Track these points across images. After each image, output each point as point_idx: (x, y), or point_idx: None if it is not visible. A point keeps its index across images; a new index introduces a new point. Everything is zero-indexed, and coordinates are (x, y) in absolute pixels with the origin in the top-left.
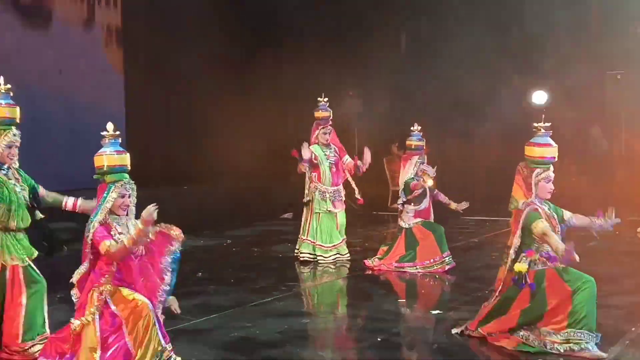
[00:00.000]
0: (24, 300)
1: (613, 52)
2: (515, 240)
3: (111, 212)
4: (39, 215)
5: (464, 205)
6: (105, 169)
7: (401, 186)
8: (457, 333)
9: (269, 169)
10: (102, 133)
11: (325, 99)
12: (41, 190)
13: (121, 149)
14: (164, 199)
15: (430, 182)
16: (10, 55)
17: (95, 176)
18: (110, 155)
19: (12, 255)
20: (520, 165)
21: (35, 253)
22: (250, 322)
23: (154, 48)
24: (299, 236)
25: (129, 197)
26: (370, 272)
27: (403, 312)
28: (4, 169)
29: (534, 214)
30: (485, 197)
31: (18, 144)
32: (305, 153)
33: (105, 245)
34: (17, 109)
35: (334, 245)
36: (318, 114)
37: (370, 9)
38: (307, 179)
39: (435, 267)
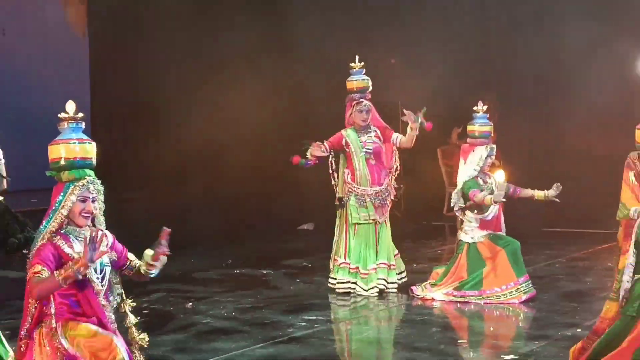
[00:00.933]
0: None
1: None
2: (628, 261)
3: (69, 221)
4: None
5: (556, 189)
6: (62, 162)
7: (459, 186)
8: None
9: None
10: (59, 115)
11: (361, 64)
12: None
13: (85, 137)
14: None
15: (500, 178)
16: None
17: (48, 173)
18: (70, 144)
19: None
20: (630, 157)
21: None
22: None
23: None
24: (333, 257)
25: (93, 201)
26: (419, 302)
27: (466, 357)
28: None
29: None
30: (575, 201)
31: None
32: (316, 151)
33: (32, 270)
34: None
35: (376, 268)
36: (351, 84)
37: None
38: (335, 174)
39: (508, 297)
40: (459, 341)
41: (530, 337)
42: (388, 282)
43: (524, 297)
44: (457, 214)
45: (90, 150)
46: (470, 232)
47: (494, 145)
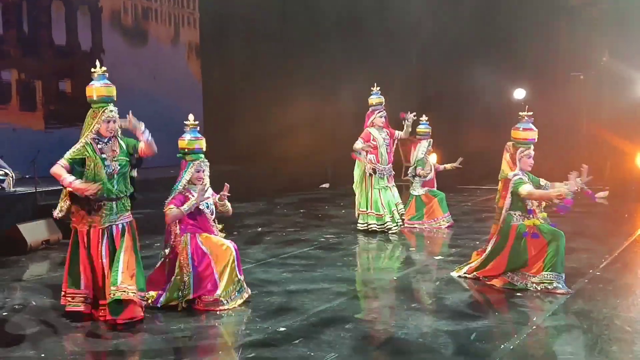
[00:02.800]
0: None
1: (576, 57)
2: (506, 203)
3: (190, 182)
4: (134, 173)
5: (458, 161)
6: (186, 150)
7: (412, 164)
8: (456, 276)
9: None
10: (184, 122)
11: (378, 88)
12: (140, 147)
13: (199, 135)
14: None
15: (433, 160)
16: (116, 64)
17: (178, 155)
18: (191, 140)
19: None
20: (507, 145)
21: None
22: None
23: (224, 59)
24: (361, 210)
25: (203, 171)
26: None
27: (413, 257)
28: (101, 142)
29: (519, 180)
30: (476, 171)
31: (116, 119)
32: (358, 144)
33: (168, 207)
34: (114, 88)
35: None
36: (372, 100)
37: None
38: (363, 160)
39: (438, 224)
40: (410, 249)
41: (450, 246)
42: (393, 223)
43: (447, 225)
44: (410, 178)
45: (202, 143)
46: (417, 189)
47: (431, 140)
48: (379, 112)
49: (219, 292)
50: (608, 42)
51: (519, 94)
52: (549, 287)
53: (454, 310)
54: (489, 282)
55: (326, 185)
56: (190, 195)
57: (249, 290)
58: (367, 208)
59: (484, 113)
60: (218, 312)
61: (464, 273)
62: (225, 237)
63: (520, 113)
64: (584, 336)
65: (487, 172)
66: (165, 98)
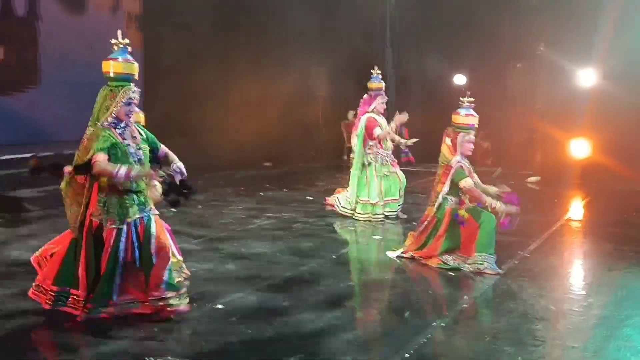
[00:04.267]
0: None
1: (514, 46)
2: (444, 189)
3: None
4: (162, 173)
5: (411, 142)
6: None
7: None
8: (392, 255)
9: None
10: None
11: (379, 71)
12: (162, 150)
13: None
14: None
15: (378, 132)
16: (52, 32)
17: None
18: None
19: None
20: (447, 130)
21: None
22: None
23: (167, 31)
24: (363, 199)
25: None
26: (330, 208)
27: (352, 237)
28: (120, 127)
29: (461, 171)
30: (416, 153)
31: (137, 102)
32: (377, 131)
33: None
34: (136, 65)
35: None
36: (372, 84)
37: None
38: (361, 146)
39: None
40: (348, 228)
41: (388, 226)
42: (395, 210)
43: (400, 208)
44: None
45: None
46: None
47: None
48: (382, 97)
49: None
50: (545, 32)
51: (460, 79)
52: (481, 267)
53: (390, 288)
54: (424, 262)
55: (269, 163)
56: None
57: (188, 272)
58: (368, 197)
59: (425, 97)
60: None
61: (401, 253)
62: (162, 214)
63: (462, 98)
64: (512, 315)
65: (427, 155)
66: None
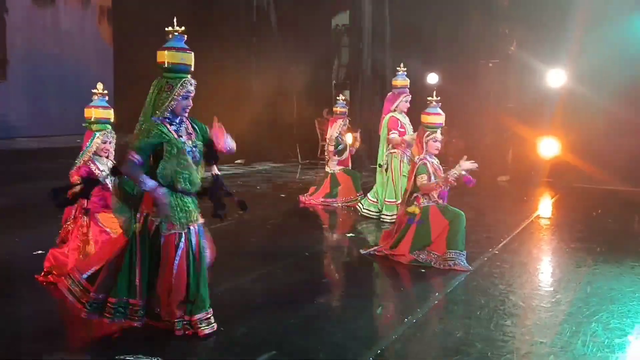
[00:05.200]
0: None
1: (486, 45)
2: (411, 185)
3: (95, 153)
4: (216, 170)
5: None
6: (92, 119)
7: (328, 142)
8: (365, 253)
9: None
10: (92, 90)
11: (404, 68)
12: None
13: (107, 104)
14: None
15: (349, 140)
16: (21, 25)
17: (84, 125)
18: (99, 109)
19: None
20: (419, 129)
21: (200, 219)
22: None
23: (138, 25)
24: (389, 201)
25: (110, 143)
26: (304, 205)
27: (326, 234)
28: (175, 123)
29: (422, 167)
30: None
31: (193, 96)
32: (391, 136)
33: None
34: (192, 54)
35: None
36: (397, 82)
37: None
38: (383, 146)
39: (351, 202)
40: (323, 226)
41: (361, 224)
42: None
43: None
44: (325, 156)
45: (110, 113)
46: (333, 166)
47: (348, 119)
48: (405, 96)
49: None
50: (517, 32)
51: (432, 78)
52: (451, 264)
53: (362, 286)
54: (396, 259)
55: (241, 160)
56: (93, 166)
57: None
58: (396, 198)
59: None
60: None
61: (373, 250)
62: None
63: (429, 98)
64: (481, 311)
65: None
66: (73, 63)
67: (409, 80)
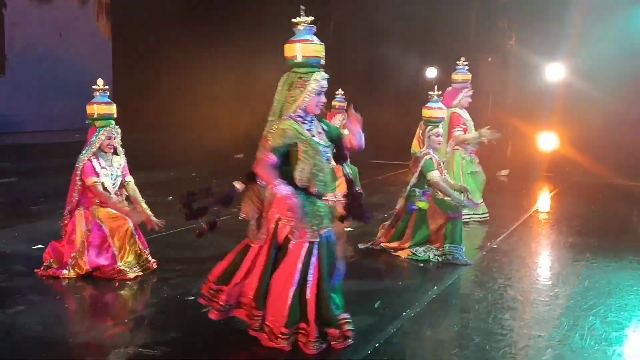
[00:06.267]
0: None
1: (485, 41)
2: (413, 180)
3: (99, 149)
4: (347, 170)
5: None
6: (95, 115)
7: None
8: (363, 247)
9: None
10: (93, 86)
11: (465, 62)
12: (349, 138)
13: (109, 100)
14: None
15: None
16: (19, 21)
17: (87, 122)
18: (102, 105)
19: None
20: (420, 123)
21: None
22: None
23: (136, 20)
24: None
25: (114, 139)
26: None
27: None
28: (307, 121)
29: (430, 162)
30: (387, 146)
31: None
32: (455, 134)
33: (91, 180)
34: (322, 46)
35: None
36: (457, 76)
37: None
38: (446, 143)
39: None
40: None
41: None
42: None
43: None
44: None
45: (113, 109)
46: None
47: (346, 114)
48: (467, 91)
49: (118, 263)
50: (516, 27)
51: (431, 72)
52: (450, 258)
53: (360, 280)
54: (394, 254)
55: (240, 155)
56: (96, 162)
57: (154, 262)
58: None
59: (397, 90)
60: (123, 280)
61: (371, 245)
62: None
63: (430, 92)
64: (480, 304)
65: (398, 148)
66: (72, 58)
67: (470, 75)
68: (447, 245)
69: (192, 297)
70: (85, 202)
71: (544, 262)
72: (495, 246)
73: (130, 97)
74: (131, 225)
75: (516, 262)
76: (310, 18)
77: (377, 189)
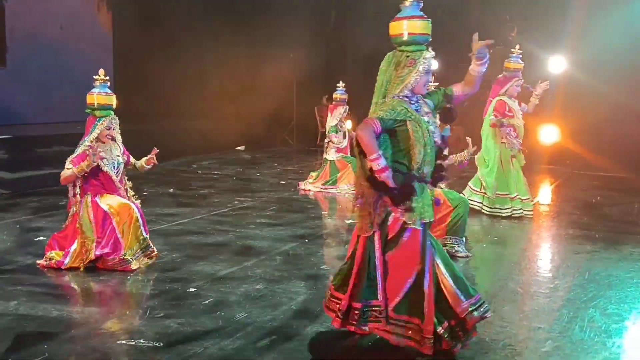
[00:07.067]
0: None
1: (487, 33)
2: None
3: (98, 139)
4: (447, 132)
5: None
6: (95, 105)
7: (327, 129)
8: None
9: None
10: (94, 77)
11: (520, 50)
12: (457, 90)
13: (109, 90)
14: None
15: (349, 126)
16: (19, 11)
17: (87, 111)
18: (102, 95)
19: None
20: None
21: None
22: None
23: (137, 11)
24: (502, 194)
25: (113, 129)
26: (303, 192)
27: (325, 221)
28: (414, 102)
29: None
30: None
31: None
32: (498, 119)
33: (65, 168)
34: (430, 23)
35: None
36: (509, 64)
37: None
38: (493, 134)
39: (350, 189)
40: (322, 212)
41: None
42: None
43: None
44: (325, 143)
45: (112, 99)
46: (332, 154)
47: (347, 106)
48: (517, 80)
49: (122, 251)
50: (517, 19)
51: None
52: (450, 250)
53: None
54: None
55: (241, 147)
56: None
57: (156, 250)
58: (511, 192)
59: None
60: (124, 272)
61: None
62: (134, 197)
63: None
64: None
65: None
66: (72, 49)
67: (523, 64)
68: (448, 237)
69: (194, 289)
70: (92, 190)
71: (544, 255)
72: (496, 238)
73: (130, 89)
74: (137, 212)
75: (516, 255)
76: None
77: None
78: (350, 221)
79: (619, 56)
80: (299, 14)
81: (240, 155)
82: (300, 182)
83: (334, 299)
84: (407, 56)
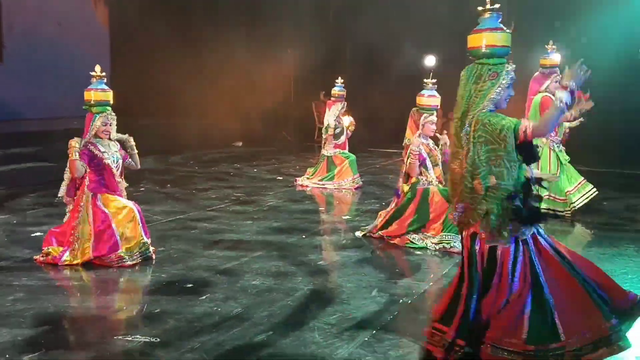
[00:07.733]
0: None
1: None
2: (404, 167)
3: (95, 136)
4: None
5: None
6: (92, 102)
7: (325, 125)
8: (360, 235)
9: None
10: (90, 73)
11: (554, 46)
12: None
13: (106, 86)
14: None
15: (347, 122)
16: (17, 9)
17: (84, 107)
18: (98, 92)
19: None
20: (412, 111)
21: None
22: None
23: (134, 8)
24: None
25: (110, 125)
26: (300, 188)
27: (322, 217)
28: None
29: (414, 149)
30: (385, 133)
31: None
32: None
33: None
34: (510, 35)
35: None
36: (545, 61)
37: None
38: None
39: (347, 185)
40: (319, 208)
41: (358, 207)
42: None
43: (356, 186)
44: (322, 138)
45: (109, 95)
46: (330, 149)
47: (345, 102)
48: (556, 76)
49: (120, 250)
50: (514, 15)
51: (430, 61)
52: (447, 246)
53: (357, 267)
54: (391, 241)
55: (239, 143)
56: (95, 150)
57: (153, 252)
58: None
59: (396, 78)
60: (121, 268)
61: (369, 233)
62: (131, 193)
63: (425, 80)
64: None
65: (397, 136)
66: (70, 46)
67: (559, 60)
68: (444, 234)
69: (191, 285)
70: (93, 188)
71: None
72: None
73: (127, 85)
74: (136, 213)
75: None
76: (497, 5)
77: (375, 177)
78: (347, 217)
79: (613, 51)
80: (298, 10)
81: (238, 150)
82: (297, 178)
83: (436, 331)
84: (489, 69)
